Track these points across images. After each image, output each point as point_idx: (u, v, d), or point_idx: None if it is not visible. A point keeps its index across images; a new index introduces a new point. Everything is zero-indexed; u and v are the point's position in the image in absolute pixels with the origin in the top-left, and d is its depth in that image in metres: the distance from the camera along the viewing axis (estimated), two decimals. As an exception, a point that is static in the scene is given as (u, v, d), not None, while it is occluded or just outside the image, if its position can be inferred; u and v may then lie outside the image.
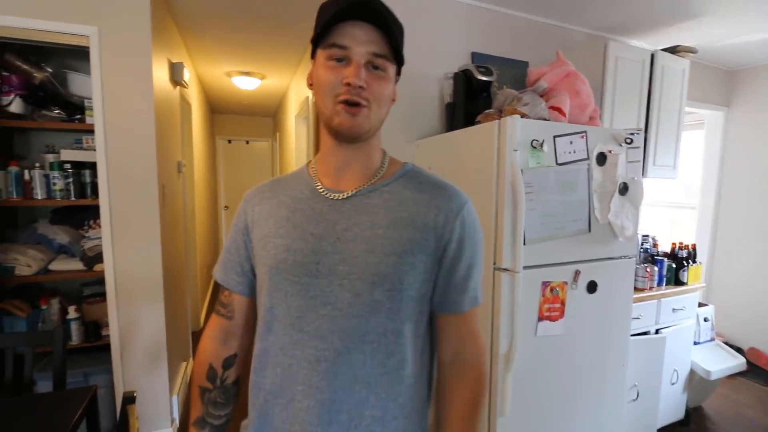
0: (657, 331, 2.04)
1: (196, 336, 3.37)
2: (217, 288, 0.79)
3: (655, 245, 2.29)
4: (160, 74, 2.06)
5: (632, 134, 1.61)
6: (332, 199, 0.64)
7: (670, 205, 3.61)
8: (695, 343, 2.27)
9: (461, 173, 1.64)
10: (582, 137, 1.51)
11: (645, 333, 2.01)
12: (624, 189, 1.61)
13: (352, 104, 0.58)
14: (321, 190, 0.66)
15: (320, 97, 0.61)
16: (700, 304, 2.30)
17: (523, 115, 1.46)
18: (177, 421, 2.12)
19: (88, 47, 1.75)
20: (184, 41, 2.85)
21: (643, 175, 2.22)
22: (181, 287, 2.57)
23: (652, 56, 2.16)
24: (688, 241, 2.31)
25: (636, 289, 2.02)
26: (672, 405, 2.16)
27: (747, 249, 3.09)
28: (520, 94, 1.63)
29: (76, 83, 2.01)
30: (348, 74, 0.57)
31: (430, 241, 0.62)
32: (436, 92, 2.06)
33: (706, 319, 2.34)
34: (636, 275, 2.04)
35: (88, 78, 1.84)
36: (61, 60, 2.09)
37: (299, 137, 3.67)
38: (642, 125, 2.20)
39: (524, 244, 1.40)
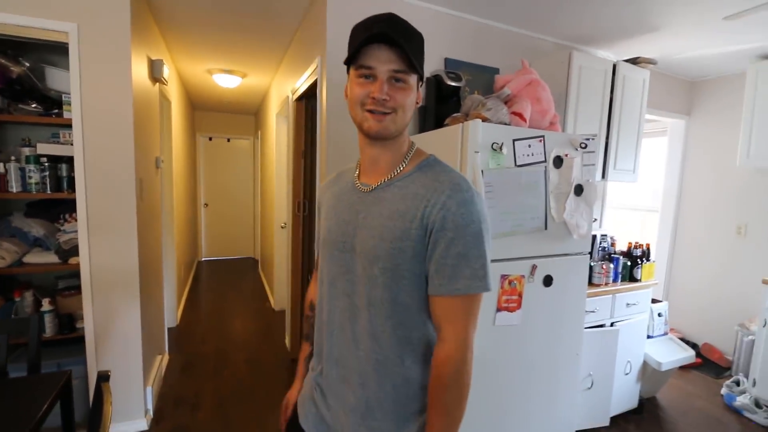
0: (612, 324, 2.18)
1: (172, 332, 3.39)
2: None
3: (612, 244, 2.43)
4: (139, 70, 2.09)
5: (587, 139, 1.73)
6: (361, 191, 0.81)
7: (636, 208, 3.80)
8: (649, 337, 2.42)
9: (429, 173, 1.73)
10: (540, 141, 1.62)
11: (601, 326, 2.14)
12: (579, 190, 1.73)
13: (377, 113, 0.73)
14: (356, 184, 0.82)
15: (351, 106, 0.76)
16: (654, 300, 2.46)
17: (485, 120, 1.56)
18: (151, 412, 2.15)
19: (67, 43, 1.78)
20: (164, 38, 2.87)
21: (603, 178, 2.38)
22: (158, 282, 2.59)
23: (614, 66, 2.31)
24: (653, 242, 2.46)
25: (592, 285, 2.16)
26: (626, 394, 2.30)
27: (705, 250, 3.29)
28: (486, 99, 1.74)
29: (54, 78, 2.03)
30: (374, 90, 0.72)
31: (419, 230, 0.72)
32: (409, 95, 2.15)
33: (660, 314, 2.50)
34: (593, 272, 2.18)
35: (66, 73, 1.86)
36: (39, 54, 2.10)
37: (280, 135, 3.72)
38: (604, 131, 2.34)
39: (484, 239, 1.51)
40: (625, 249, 2.46)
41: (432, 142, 1.75)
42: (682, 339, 3.00)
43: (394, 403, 0.76)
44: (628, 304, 2.23)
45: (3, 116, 1.95)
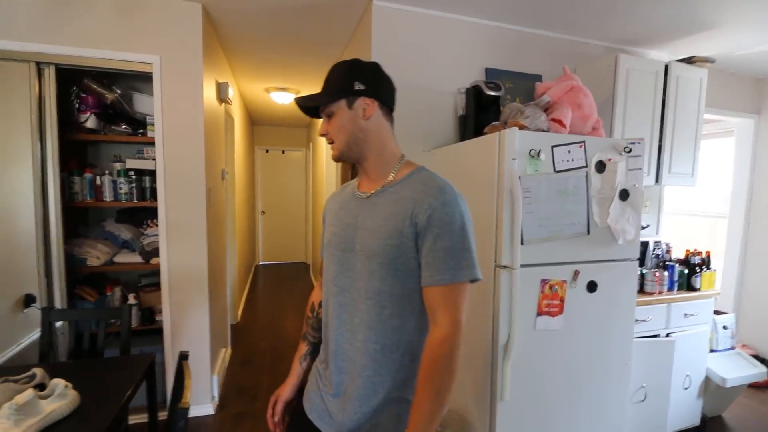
0: (667, 335, 2.08)
1: (234, 328, 3.68)
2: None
3: (668, 251, 2.32)
4: (209, 93, 2.37)
5: (632, 143, 1.71)
6: (360, 198, 0.91)
7: (704, 214, 3.55)
8: (713, 351, 2.27)
9: (468, 180, 1.80)
10: (580, 147, 1.64)
11: (654, 336, 2.05)
12: (624, 195, 1.71)
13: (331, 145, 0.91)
14: (357, 193, 0.93)
15: None
16: (718, 312, 2.31)
17: (522, 127, 1.61)
18: (217, 399, 2.38)
19: (151, 72, 2.08)
20: (229, 62, 3.19)
21: (657, 182, 2.29)
22: (222, 282, 2.86)
23: (666, 67, 2.23)
24: (722, 249, 2.31)
25: (645, 293, 2.09)
26: (685, 410, 2.18)
27: (781, 259, 3.00)
28: (524, 107, 1.77)
29: (140, 102, 2.36)
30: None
31: (410, 228, 0.81)
32: (451, 105, 2.23)
33: (725, 327, 2.34)
34: (645, 279, 2.10)
35: (150, 98, 2.16)
36: (127, 83, 2.45)
37: (327, 147, 3.93)
38: (656, 135, 2.26)
39: (522, 243, 1.55)
40: (682, 257, 2.34)
41: (469, 150, 1.82)
42: (754, 356, 2.76)
43: (389, 389, 0.84)
44: (686, 315, 2.12)
45: (99, 136, 2.30)
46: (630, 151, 1.70)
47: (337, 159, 0.91)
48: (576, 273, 1.66)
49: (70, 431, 1.06)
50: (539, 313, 1.63)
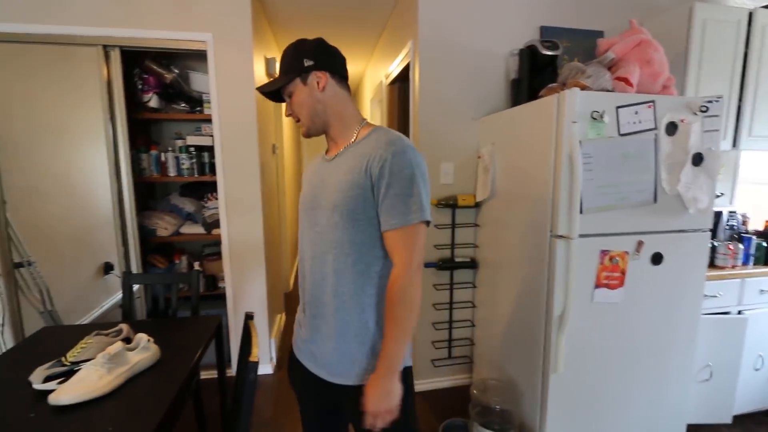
0: (739, 312, 1.93)
1: (287, 296, 3.88)
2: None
3: (744, 222, 2.12)
4: (258, 68, 2.42)
5: (709, 102, 1.55)
6: (326, 161, 1.00)
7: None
8: (793, 330, 2.08)
9: (521, 147, 1.73)
10: (649, 107, 1.51)
11: (724, 313, 1.91)
12: (698, 159, 1.57)
13: (298, 124, 0.99)
14: (325, 157, 1.02)
15: None
16: (802, 288, 2.09)
17: (584, 88, 1.50)
18: (275, 360, 2.55)
19: (205, 50, 2.15)
20: (274, 36, 3.22)
21: (734, 146, 2.07)
22: (276, 252, 3.01)
23: (750, 15, 1.97)
24: None
25: (715, 267, 1.94)
26: (756, 392, 2.03)
27: None
28: (585, 66, 1.65)
29: (196, 81, 2.46)
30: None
31: (366, 180, 0.89)
32: (502, 69, 2.13)
33: (809, 305, 2.12)
34: (716, 252, 1.94)
35: (205, 76, 2.25)
36: (183, 62, 2.56)
37: (374, 118, 3.91)
38: (735, 93, 2.03)
39: (581, 212, 1.48)
40: (761, 228, 2.12)
41: (523, 115, 1.74)
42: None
43: (358, 328, 0.93)
44: (762, 291, 1.94)
45: (161, 115, 2.44)
46: (706, 110, 1.54)
47: (306, 135, 1.00)
48: (640, 244, 1.57)
49: (152, 381, 1.18)
50: (597, 286, 1.57)
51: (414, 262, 0.88)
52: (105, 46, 2.07)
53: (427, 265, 2.20)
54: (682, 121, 1.54)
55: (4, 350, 2.02)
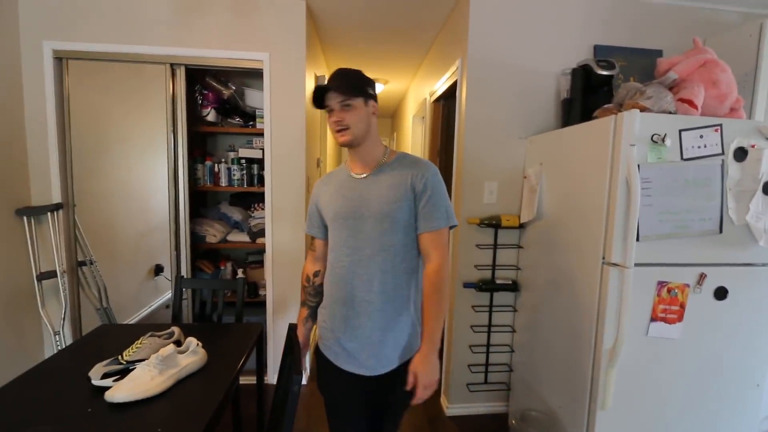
0: (820, 357, 1.73)
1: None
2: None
3: (826, 257, 1.91)
4: (309, 85, 2.51)
5: (786, 127, 1.43)
6: (358, 179, 1.17)
7: None
8: None
9: (572, 168, 1.67)
10: (716, 131, 1.42)
11: (801, 357, 1.72)
12: (770, 188, 1.45)
13: (339, 131, 1.11)
14: (353, 175, 1.19)
15: (331, 130, 1.15)
16: None
17: (643, 109, 1.44)
18: (308, 370, 2.58)
19: (261, 69, 2.26)
20: (324, 55, 3.35)
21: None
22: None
23: (835, 32, 1.82)
24: None
25: (790, 305, 1.76)
26: (840, 449, 1.80)
27: None
28: (645, 86, 1.58)
29: (250, 97, 2.59)
30: (332, 119, 1.12)
31: (409, 192, 1.12)
32: (552, 88, 2.08)
33: None
34: (792, 289, 1.76)
35: (260, 92, 2.36)
36: (240, 79, 2.71)
37: (415, 135, 3.94)
38: (816, 115, 1.87)
39: (638, 240, 1.40)
40: None
41: (575, 136, 1.68)
42: None
43: (404, 315, 1.13)
44: None
45: (217, 128, 2.58)
46: (782, 135, 1.42)
47: (348, 143, 1.12)
48: (702, 276, 1.46)
49: (199, 384, 1.22)
50: (653, 319, 1.47)
51: (446, 257, 1.12)
52: (172, 64, 2.23)
53: (467, 285, 2.15)
54: (752, 146, 1.43)
55: (63, 343, 2.18)
